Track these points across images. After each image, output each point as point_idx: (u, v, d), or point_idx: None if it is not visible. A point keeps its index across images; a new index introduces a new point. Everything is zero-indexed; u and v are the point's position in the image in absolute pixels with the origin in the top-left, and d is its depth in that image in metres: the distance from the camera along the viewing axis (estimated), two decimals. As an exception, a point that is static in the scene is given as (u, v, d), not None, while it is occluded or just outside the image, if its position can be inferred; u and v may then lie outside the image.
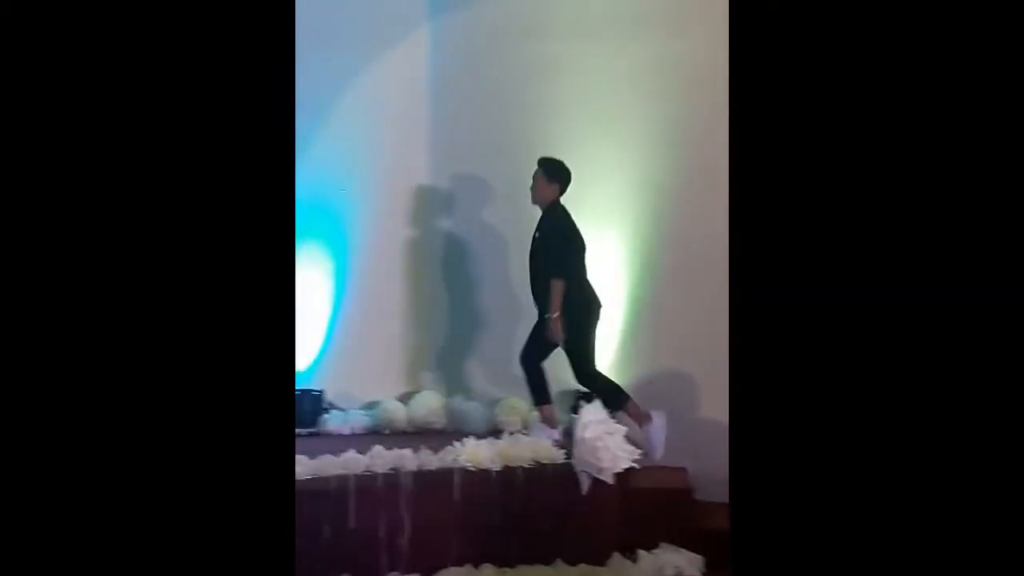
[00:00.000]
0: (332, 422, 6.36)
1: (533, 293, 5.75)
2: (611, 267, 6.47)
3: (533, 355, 5.73)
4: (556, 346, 5.66)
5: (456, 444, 5.10)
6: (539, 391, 5.72)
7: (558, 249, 5.66)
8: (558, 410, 5.78)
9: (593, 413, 5.27)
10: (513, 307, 6.28)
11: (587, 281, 5.73)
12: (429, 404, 6.41)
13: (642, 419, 5.63)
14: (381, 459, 4.88)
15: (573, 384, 6.25)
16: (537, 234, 5.77)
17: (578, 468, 5.02)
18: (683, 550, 4.81)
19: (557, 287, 5.55)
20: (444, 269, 6.87)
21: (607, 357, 6.47)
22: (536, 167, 5.80)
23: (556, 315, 5.55)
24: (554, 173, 5.78)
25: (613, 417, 5.42)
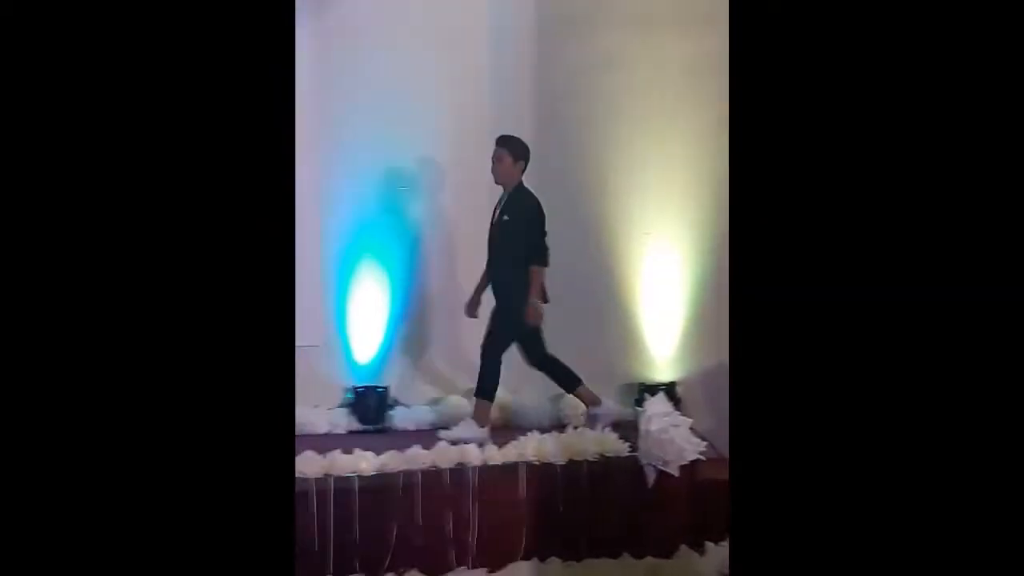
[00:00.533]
0: (397, 418, 6.40)
1: (494, 277, 5.70)
2: (674, 257, 6.45)
3: (498, 345, 5.66)
4: (526, 334, 5.63)
5: (521, 439, 5.11)
6: (567, 378, 5.73)
7: (532, 234, 5.60)
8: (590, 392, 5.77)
9: (658, 406, 5.25)
10: (579, 303, 6.28)
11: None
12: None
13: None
14: (446, 455, 4.91)
15: (629, 377, 6.24)
16: (505, 217, 5.66)
17: (644, 461, 5.01)
18: (751, 542, 4.78)
19: (538, 273, 5.53)
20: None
21: (671, 350, 6.45)
22: (497, 147, 5.69)
23: (537, 301, 5.54)
24: (520, 152, 5.69)
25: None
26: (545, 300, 5.64)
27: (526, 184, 5.73)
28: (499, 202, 5.76)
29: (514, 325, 5.60)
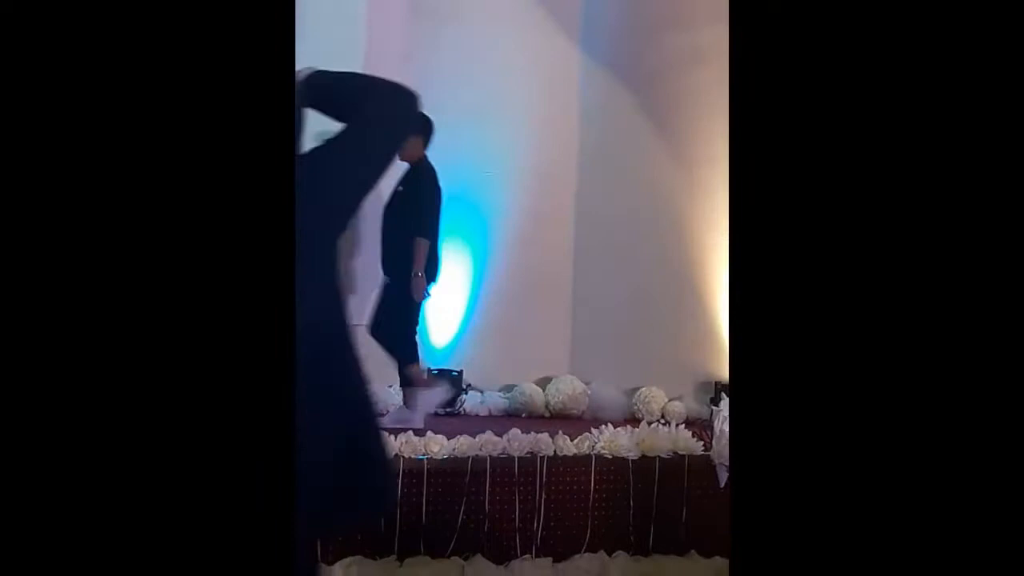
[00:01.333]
0: (470, 403, 6.41)
1: (385, 251, 5.67)
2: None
3: (397, 320, 5.64)
4: (417, 306, 5.62)
5: (594, 431, 5.09)
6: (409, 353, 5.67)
7: (424, 208, 5.59)
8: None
9: (733, 406, 5.20)
10: (657, 300, 6.23)
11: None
12: (568, 390, 6.40)
13: (426, 383, 5.65)
14: (518, 442, 4.90)
15: (706, 376, 6.18)
16: (400, 188, 5.65)
17: (716, 461, 4.96)
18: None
19: (422, 246, 5.49)
20: (587, 254, 6.85)
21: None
22: None
23: (420, 274, 5.50)
24: (420, 127, 5.61)
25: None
26: (433, 278, 5.65)
27: (430, 160, 5.70)
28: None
29: (402, 299, 5.60)
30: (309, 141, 2.37)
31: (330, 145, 2.41)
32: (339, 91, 2.55)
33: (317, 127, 2.30)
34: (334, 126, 2.25)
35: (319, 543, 4.41)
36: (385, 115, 2.42)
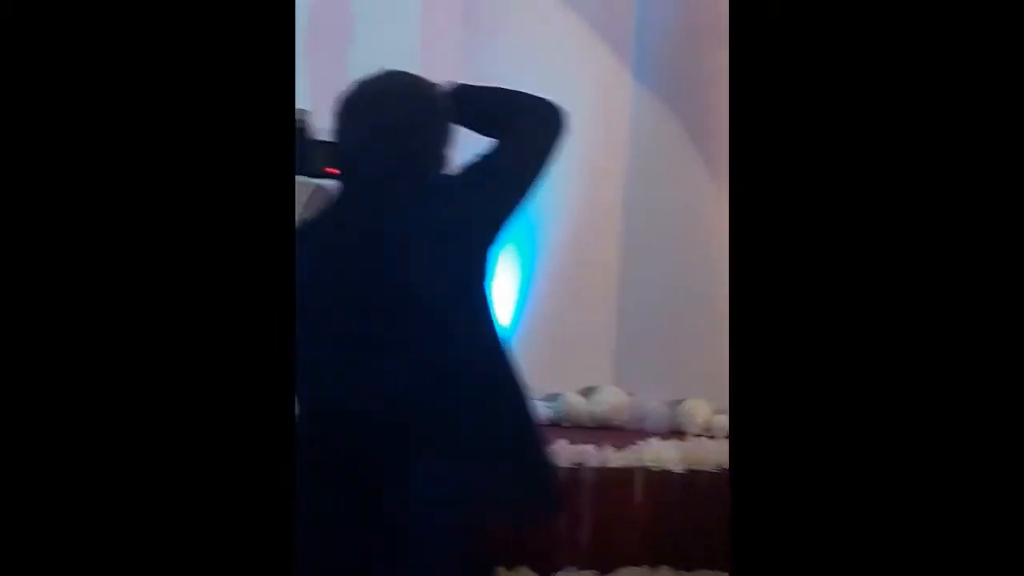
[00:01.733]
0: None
1: None
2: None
3: None
4: None
5: (639, 443, 5.05)
6: None
7: None
8: None
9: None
10: (705, 305, 6.16)
11: None
12: (612, 400, 6.32)
13: None
14: (565, 453, 4.87)
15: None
16: None
17: (763, 475, 4.89)
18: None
19: None
20: (634, 263, 6.79)
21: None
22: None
23: None
24: None
25: None
26: None
27: None
28: None
29: None
30: (454, 157, 2.42)
31: (479, 161, 2.49)
32: (487, 106, 2.63)
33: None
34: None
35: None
36: (533, 129, 2.50)
